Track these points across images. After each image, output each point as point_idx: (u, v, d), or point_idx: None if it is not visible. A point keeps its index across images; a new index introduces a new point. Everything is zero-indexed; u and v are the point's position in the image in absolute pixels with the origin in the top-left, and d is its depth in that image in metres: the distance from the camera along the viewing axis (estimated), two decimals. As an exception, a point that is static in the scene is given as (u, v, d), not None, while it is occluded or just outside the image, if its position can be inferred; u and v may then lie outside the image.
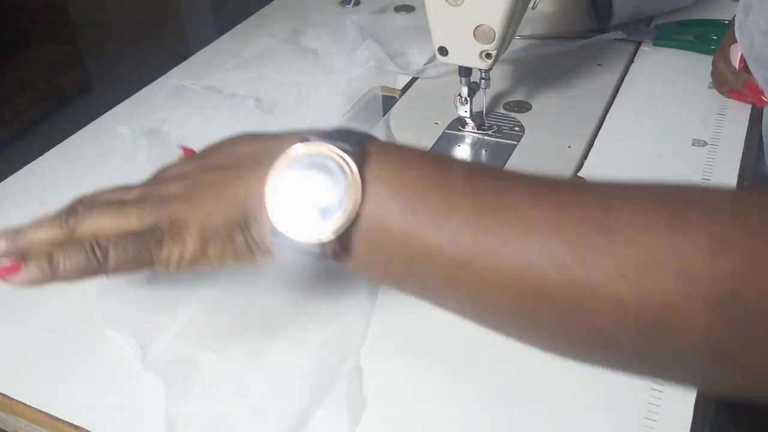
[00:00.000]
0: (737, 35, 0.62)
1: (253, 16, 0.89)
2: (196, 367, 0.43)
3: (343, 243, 0.34)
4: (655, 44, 0.76)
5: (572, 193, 0.32)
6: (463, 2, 0.54)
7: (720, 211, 0.30)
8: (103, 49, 2.17)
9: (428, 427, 0.40)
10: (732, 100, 0.66)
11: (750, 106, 0.65)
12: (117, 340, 0.46)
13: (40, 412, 0.42)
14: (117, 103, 0.72)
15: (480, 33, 0.55)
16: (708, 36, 0.73)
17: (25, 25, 2.16)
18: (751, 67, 0.61)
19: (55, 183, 0.61)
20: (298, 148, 0.35)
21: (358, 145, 0.34)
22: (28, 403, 0.42)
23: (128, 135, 0.66)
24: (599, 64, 0.74)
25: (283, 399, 0.41)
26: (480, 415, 0.40)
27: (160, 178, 0.40)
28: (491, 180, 0.33)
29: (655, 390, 0.40)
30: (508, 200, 0.32)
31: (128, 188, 0.40)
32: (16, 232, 0.39)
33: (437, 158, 0.36)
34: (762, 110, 0.64)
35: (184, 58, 0.79)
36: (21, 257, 0.38)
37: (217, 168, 0.38)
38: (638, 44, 0.77)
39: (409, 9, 0.87)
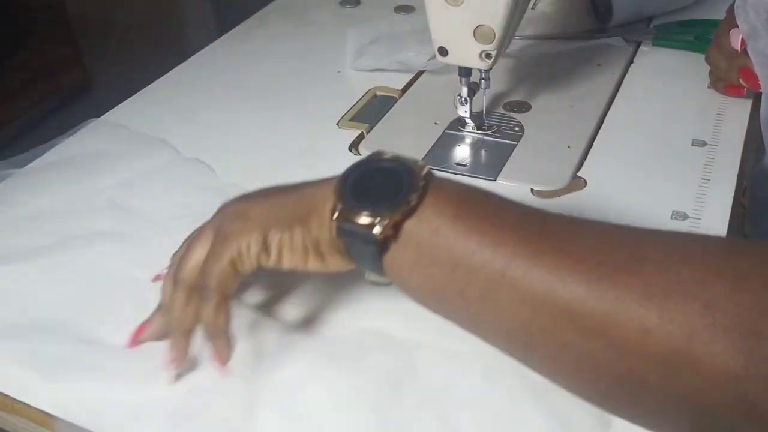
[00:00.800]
0: (738, 18, 0.62)
1: (253, 16, 0.89)
2: None
3: (396, 234, 0.36)
4: (654, 44, 0.76)
5: (611, 228, 0.34)
6: (463, 2, 0.54)
7: (743, 248, 0.32)
8: (103, 49, 2.17)
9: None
10: (731, 99, 0.66)
11: (750, 104, 0.65)
12: (117, 339, 0.46)
13: (41, 411, 0.42)
14: (117, 103, 0.72)
15: (480, 33, 0.55)
16: (708, 36, 0.72)
17: (25, 25, 2.16)
18: (752, 51, 0.61)
19: (55, 183, 0.61)
20: (375, 155, 0.39)
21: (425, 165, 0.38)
22: (28, 403, 0.42)
23: (128, 135, 0.66)
24: (599, 64, 0.74)
25: None
26: (479, 413, 0.40)
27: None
28: (540, 210, 0.36)
29: (655, 390, 0.40)
30: (550, 223, 0.35)
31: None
32: (162, 314, 0.44)
33: (492, 192, 0.38)
34: (759, 95, 0.64)
35: (184, 58, 0.80)
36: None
37: (293, 187, 0.42)
38: (638, 44, 0.77)
39: (408, 9, 0.87)
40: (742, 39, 0.63)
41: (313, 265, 0.39)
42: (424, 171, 0.37)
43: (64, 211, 0.58)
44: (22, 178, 0.62)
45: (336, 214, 0.37)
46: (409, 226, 0.35)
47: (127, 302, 0.48)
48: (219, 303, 0.40)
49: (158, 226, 0.55)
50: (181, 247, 0.44)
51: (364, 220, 0.36)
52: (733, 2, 0.64)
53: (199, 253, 0.41)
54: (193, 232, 0.44)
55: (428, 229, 0.35)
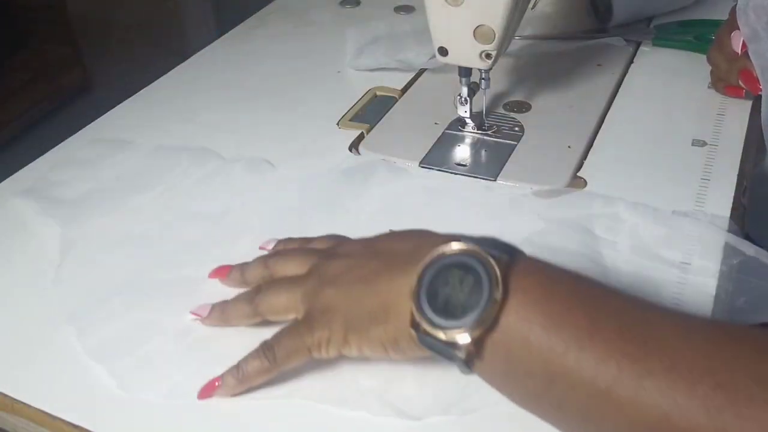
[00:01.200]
0: (739, 21, 0.62)
1: (253, 16, 0.90)
2: None
3: (479, 348, 0.33)
4: (654, 44, 0.76)
5: (723, 331, 0.31)
6: (463, 2, 0.54)
7: None
8: (103, 49, 2.17)
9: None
10: (731, 99, 0.66)
11: (750, 105, 0.65)
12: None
13: (41, 411, 0.42)
14: (117, 103, 0.72)
15: (480, 33, 0.55)
16: (708, 36, 0.73)
17: (25, 25, 2.16)
18: (753, 54, 0.61)
19: (55, 183, 0.61)
20: (449, 246, 0.35)
21: (506, 253, 0.35)
22: (28, 403, 0.42)
23: (128, 135, 0.66)
24: (599, 65, 0.74)
25: None
26: (476, 417, 0.40)
27: (331, 252, 0.44)
28: (637, 306, 0.33)
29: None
30: (655, 330, 0.31)
31: (304, 254, 0.45)
32: (221, 311, 0.45)
33: (582, 277, 0.35)
34: (758, 98, 0.64)
35: (184, 58, 0.80)
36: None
37: (375, 257, 0.40)
38: (638, 44, 0.77)
39: (408, 9, 0.87)
40: (743, 41, 0.63)
41: (394, 356, 0.39)
42: (503, 264, 0.34)
43: (157, 232, 0.55)
44: (22, 178, 0.61)
45: (414, 327, 0.35)
46: (495, 337, 0.33)
47: None
48: (269, 370, 0.41)
49: (247, 223, 0.55)
50: (268, 258, 0.46)
51: (443, 335, 0.34)
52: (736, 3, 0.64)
53: (282, 300, 0.42)
54: (284, 254, 0.46)
55: (516, 339, 0.32)
